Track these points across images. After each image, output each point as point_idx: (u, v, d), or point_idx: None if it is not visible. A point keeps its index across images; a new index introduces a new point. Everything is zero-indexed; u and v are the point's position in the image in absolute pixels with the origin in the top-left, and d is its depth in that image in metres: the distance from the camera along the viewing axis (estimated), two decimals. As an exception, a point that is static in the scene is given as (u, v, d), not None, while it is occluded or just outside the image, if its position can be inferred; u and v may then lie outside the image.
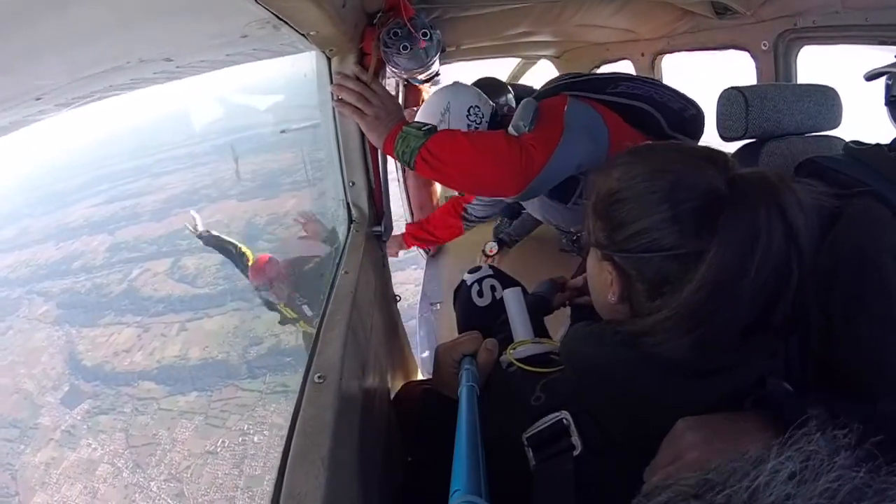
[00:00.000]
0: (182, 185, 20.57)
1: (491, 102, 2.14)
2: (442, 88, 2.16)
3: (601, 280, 0.91)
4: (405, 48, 1.52)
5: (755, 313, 0.75)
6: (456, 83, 2.23)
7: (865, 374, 0.90)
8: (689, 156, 0.82)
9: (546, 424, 0.83)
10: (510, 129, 1.64)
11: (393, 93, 3.66)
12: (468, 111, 2.06)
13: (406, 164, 1.56)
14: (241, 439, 7.08)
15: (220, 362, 9.07)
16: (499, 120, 2.14)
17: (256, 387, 8.09)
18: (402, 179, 4.03)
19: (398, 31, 1.50)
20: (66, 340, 11.33)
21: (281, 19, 1.10)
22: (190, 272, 12.53)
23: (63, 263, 16.09)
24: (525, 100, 1.73)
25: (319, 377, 0.95)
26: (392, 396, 1.56)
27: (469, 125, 2.08)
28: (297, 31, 1.22)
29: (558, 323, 1.58)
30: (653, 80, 2.10)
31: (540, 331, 1.38)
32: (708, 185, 0.76)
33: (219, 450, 6.96)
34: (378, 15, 1.54)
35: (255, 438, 7.01)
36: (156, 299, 11.93)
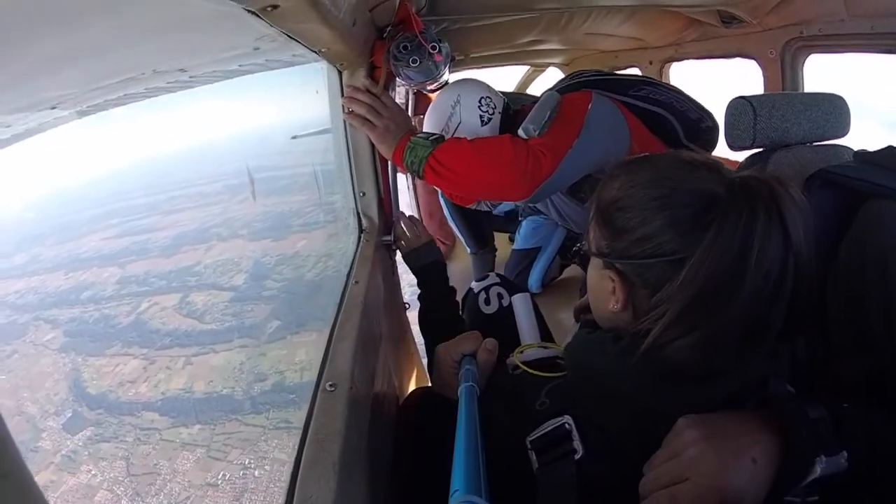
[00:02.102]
0: (192, 223, 20.83)
1: (502, 95, 2.08)
2: (450, 84, 2.11)
3: (602, 289, 0.90)
4: (415, 61, 1.54)
5: (753, 316, 0.73)
6: (464, 78, 2.20)
7: (887, 375, 0.89)
8: (688, 163, 0.83)
9: (549, 429, 0.84)
10: (520, 131, 1.63)
11: (403, 101, 3.69)
12: (479, 102, 2.01)
13: (415, 173, 1.58)
14: (242, 473, 7.08)
15: (225, 397, 9.10)
16: (511, 113, 2.08)
17: (260, 422, 8.11)
18: (411, 187, 4.02)
19: (408, 44, 1.53)
20: (72, 367, 11.39)
21: (294, 39, 1.11)
22: (198, 308, 12.62)
23: (72, 293, 16.22)
24: (548, 92, 1.72)
25: (331, 385, 0.96)
26: (401, 403, 1.55)
27: (482, 116, 2.02)
28: (308, 48, 1.24)
29: (565, 330, 1.61)
30: (675, 88, 2.09)
31: (546, 338, 1.39)
32: (706, 189, 0.77)
33: (219, 482, 6.96)
34: (388, 29, 1.56)
35: (256, 472, 7.01)
36: (163, 332, 12.01)
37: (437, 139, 1.57)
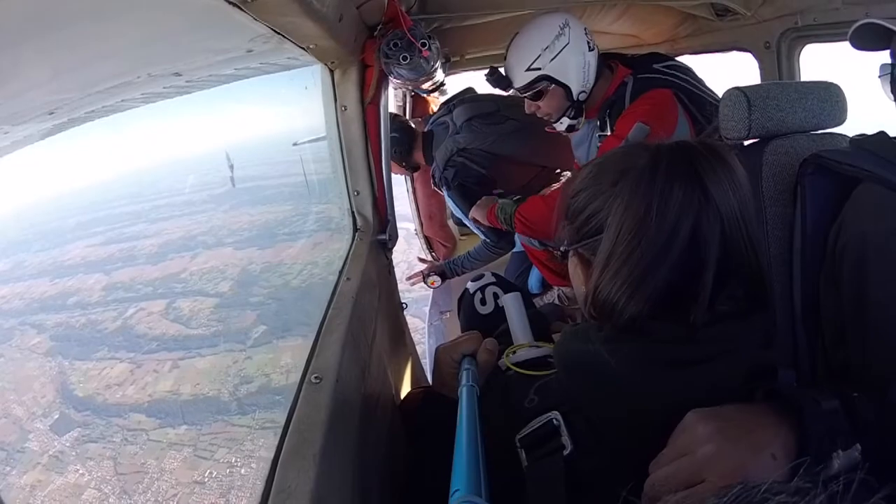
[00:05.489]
0: (178, 232, 20.80)
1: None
2: (547, 12, 2.01)
3: (576, 277, 0.91)
4: (405, 59, 1.54)
5: (682, 273, 0.74)
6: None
7: (876, 360, 0.88)
8: (633, 146, 0.85)
9: (537, 426, 0.83)
10: None
11: (401, 104, 3.75)
12: (585, 30, 1.93)
13: (510, 227, 2.05)
14: (228, 471, 7.15)
15: (211, 398, 9.17)
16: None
17: (246, 422, 8.18)
18: (411, 191, 3.97)
19: (398, 41, 1.53)
20: (59, 371, 11.36)
21: (280, 34, 1.11)
22: (184, 313, 12.63)
23: (58, 299, 16.15)
24: (640, 125, 1.66)
25: (316, 378, 0.95)
26: (398, 402, 1.53)
27: (588, 42, 1.94)
28: (296, 45, 1.24)
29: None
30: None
31: (542, 336, 1.37)
32: (634, 163, 0.79)
33: (206, 480, 7.03)
34: (378, 27, 1.57)
35: (243, 471, 7.08)
36: (150, 337, 12.00)
37: (518, 200, 1.96)
